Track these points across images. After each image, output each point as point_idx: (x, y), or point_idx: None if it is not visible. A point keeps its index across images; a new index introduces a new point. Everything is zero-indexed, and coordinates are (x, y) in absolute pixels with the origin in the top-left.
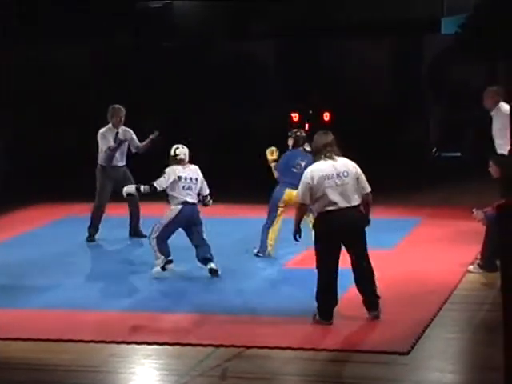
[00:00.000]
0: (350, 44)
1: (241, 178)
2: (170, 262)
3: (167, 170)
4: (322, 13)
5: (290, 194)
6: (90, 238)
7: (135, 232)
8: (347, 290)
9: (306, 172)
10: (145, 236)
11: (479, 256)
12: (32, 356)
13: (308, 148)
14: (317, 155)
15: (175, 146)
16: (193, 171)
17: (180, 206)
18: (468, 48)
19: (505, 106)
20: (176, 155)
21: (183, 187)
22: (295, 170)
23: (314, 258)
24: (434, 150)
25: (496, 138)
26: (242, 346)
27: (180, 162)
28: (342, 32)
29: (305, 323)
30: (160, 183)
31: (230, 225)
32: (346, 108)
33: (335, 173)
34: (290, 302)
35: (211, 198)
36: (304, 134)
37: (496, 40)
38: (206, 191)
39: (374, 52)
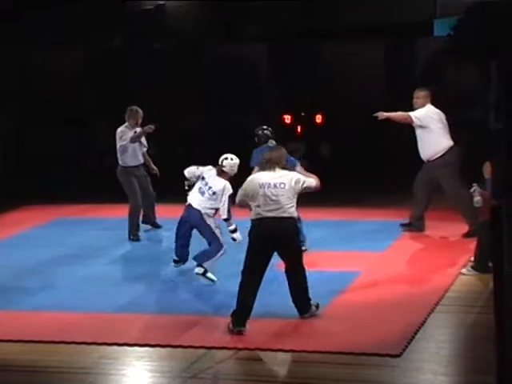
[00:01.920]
0: (343, 47)
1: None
2: (175, 261)
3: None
4: (314, 15)
5: None
6: (134, 237)
7: (153, 223)
8: (342, 292)
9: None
10: (160, 226)
11: (472, 258)
12: (23, 358)
13: (272, 144)
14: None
15: (224, 156)
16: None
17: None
18: (460, 50)
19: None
20: (223, 166)
21: (199, 189)
22: None
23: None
24: None
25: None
26: (233, 347)
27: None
28: (334, 35)
29: (297, 325)
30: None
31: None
32: (338, 110)
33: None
34: (281, 303)
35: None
36: (267, 132)
37: (488, 42)
38: (224, 215)
39: (366, 54)
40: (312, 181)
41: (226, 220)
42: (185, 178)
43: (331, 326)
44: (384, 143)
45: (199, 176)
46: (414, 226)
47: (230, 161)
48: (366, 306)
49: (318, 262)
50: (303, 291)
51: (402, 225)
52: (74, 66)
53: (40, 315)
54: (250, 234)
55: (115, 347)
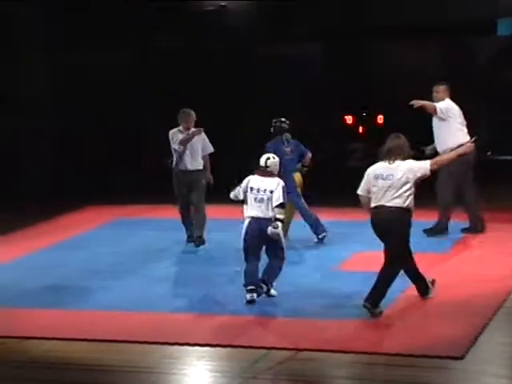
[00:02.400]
0: (404, 46)
1: None
2: (251, 290)
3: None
4: (374, 14)
5: (297, 177)
6: (189, 238)
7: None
8: (402, 293)
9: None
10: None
11: None
12: (87, 356)
13: (285, 137)
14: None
15: (266, 157)
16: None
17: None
18: None
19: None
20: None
21: (255, 199)
22: (287, 157)
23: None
24: (488, 153)
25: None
26: (294, 348)
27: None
28: (395, 33)
29: (357, 326)
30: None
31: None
32: (399, 110)
33: None
34: (340, 305)
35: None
36: (285, 125)
37: None
38: (279, 199)
39: (428, 54)
40: (427, 168)
41: (281, 205)
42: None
43: (391, 328)
44: None
45: (246, 191)
46: (473, 228)
47: (273, 159)
48: (426, 308)
49: (378, 263)
50: (417, 273)
51: (463, 230)
52: (131, 66)
53: (101, 314)
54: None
55: (177, 347)
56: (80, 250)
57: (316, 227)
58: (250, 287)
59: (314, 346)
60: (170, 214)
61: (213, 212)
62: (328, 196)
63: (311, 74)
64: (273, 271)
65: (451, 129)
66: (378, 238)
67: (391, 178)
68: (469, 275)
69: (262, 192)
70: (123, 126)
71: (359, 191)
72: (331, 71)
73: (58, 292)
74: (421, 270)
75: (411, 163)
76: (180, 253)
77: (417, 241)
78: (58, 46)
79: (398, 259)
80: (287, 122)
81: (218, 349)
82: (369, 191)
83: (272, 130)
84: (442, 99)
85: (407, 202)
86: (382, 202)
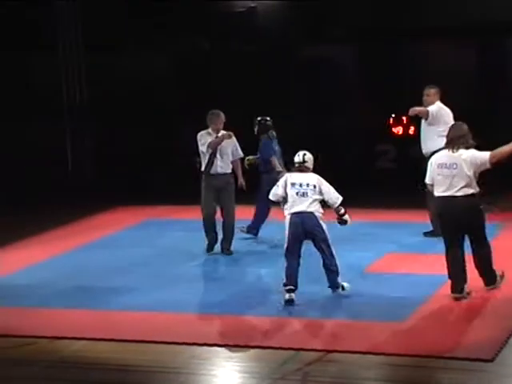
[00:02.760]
0: (433, 46)
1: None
2: (291, 290)
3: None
4: (404, 15)
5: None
6: (208, 247)
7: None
8: (431, 295)
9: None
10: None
11: None
12: (115, 356)
13: (272, 135)
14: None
15: (303, 153)
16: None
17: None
18: None
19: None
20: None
21: (297, 193)
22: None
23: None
24: None
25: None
26: (322, 350)
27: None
28: (424, 34)
29: (386, 328)
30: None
31: None
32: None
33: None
34: (371, 306)
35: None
36: (269, 123)
37: None
38: (338, 199)
39: (457, 54)
40: (487, 159)
41: (339, 206)
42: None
43: (421, 330)
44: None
45: (285, 188)
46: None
47: (309, 155)
48: (456, 310)
49: (407, 265)
50: (488, 263)
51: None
52: (162, 67)
53: (130, 315)
54: None
55: (205, 347)
56: (110, 251)
57: (253, 224)
58: (288, 287)
59: (343, 347)
60: (200, 215)
61: (239, 213)
62: (357, 197)
63: (344, 74)
64: (331, 273)
65: (439, 132)
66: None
67: (455, 167)
68: None
69: (305, 186)
70: (156, 126)
71: (427, 180)
72: (363, 72)
73: (87, 292)
74: (446, 272)
75: (473, 153)
76: (208, 253)
77: (440, 242)
78: (95, 47)
79: (484, 239)
80: (270, 119)
81: (247, 349)
82: (433, 179)
83: (256, 128)
84: (433, 102)
85: (474, 189)
86: (451, 192)
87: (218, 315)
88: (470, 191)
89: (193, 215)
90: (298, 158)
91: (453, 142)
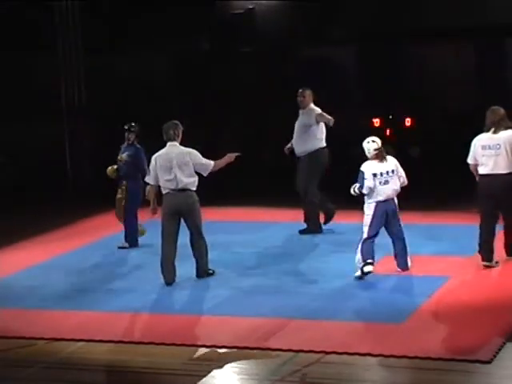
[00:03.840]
0: (432, 48)
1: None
2: (370, 263)
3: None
4: (402, 18)
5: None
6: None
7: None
8: (430, 297)
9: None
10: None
11: None
12: (114, 358)
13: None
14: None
15: (375, 139)
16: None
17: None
18: None
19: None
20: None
21: (380, 183)
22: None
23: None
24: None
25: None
26: (321, 351)
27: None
28: (423, 36)
29: (385, 329)
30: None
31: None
32: (428, 113)
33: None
34: (369, 308)
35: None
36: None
37: None
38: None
39: (456, 56)
40: None
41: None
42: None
43: (420, 331)
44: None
45: (366, 179)
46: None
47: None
48: (454, 311)
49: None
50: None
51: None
52: (162, 68)
53: (128, 316)
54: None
55: (204, 349)
56: (109, 252)
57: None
58: (369, 260)
59: (342, 349)
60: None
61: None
62: (356, 198)
63: (343, 75)
64: (404, 254)
65: (318, 133)
66: None
67: (498, 147)
68: (497, 279)
69: (385, 174)
70: (157, 127)
71: (468, 160)
72: (363, 73)
73: (86, 294)
74: (448, 273)
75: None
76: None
77: (443, 244)
78: (95, 47)
79: None
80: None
81: (246, 351)
82: (476, 159)
83: (133, 136)
84: (308, 104)
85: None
86: (495, 171)
87: (216, 317)
88: (510, 170)
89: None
90: (374, 146)
91: (494, 125)
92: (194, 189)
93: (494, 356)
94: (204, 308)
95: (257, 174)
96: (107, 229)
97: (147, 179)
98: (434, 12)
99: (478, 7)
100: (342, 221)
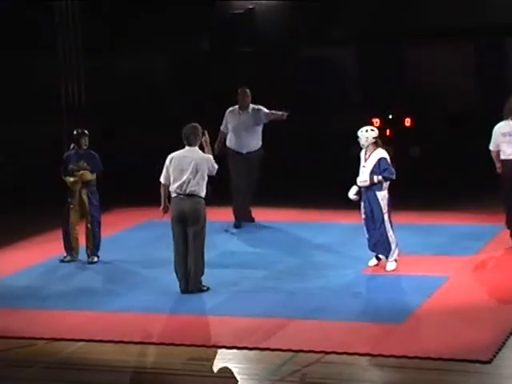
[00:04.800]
0: (432, 48)
1: (318, 182)
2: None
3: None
4: (402, 18)
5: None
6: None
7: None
8: (429, 297)
9: None
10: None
11: None
12: (113, 358)
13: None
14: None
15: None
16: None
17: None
18: None
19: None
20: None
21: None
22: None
23: None
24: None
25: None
26: (320, 351)
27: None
28: (423, 36)
29: (384, 329)
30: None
31: (307, 229)
32: (427, 113)
33: None
34: (369, 308)
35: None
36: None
37: None
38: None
39: (455, 56)
40: None
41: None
42: None
43: (419, 331)
44: (472, 145)
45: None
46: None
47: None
48: (454, 312)
49: (405, 266)
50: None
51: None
52: (161, 70)
53: (128, 316)
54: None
55: (203, 349)
56: (109, 252)
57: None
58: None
59: (342, 348)
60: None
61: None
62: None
63: (343, 75)
64: (381, 244)
65: (260, 132)
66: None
67: None
68: (496, 279)
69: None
70: (158, 127)
71: (490, 147)
72: (363, 72)
73: (86, 294)
74: (448, 273)
75: None
76: (207, 256)
77: (443, 244)
78: (95, 47)
79: None
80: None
81: (245, 351)
82: (498, 146)
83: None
84: (249, 103)
85: None
86: None
87: (216, 317)
88: None
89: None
90: (374, 134)
91: (510, 112)
92: (202, 195)
93: (494, 356)
94: (203, 308)
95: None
96: (105, 229)
97: (161, 178)
98: (433, 12)
99: (478, 7)
100: (341, 221)
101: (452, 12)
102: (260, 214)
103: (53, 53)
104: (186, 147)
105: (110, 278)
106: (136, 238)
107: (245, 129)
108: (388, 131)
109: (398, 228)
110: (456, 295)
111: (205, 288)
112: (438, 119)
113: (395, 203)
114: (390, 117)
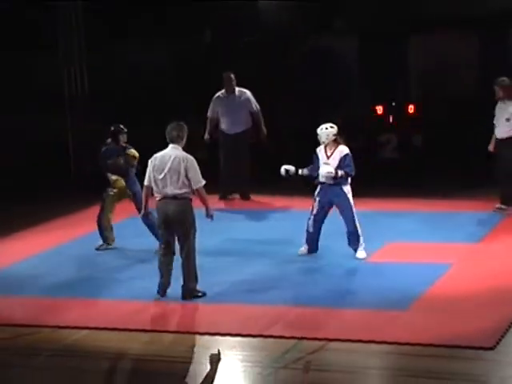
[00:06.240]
0: (435, 37)
1: None
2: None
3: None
4: (405, 7)
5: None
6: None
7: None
8: (433, 284)
9: None
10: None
11: None
12: (118, 346)
13: None
14: None
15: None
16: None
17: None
18: None
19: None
20: None
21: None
22: None
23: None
24: None
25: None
26: (324, 338)
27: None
28: (425, 25)
29: (388, 317)
30: None
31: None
32: (431, 101)
33: None
34: (372, 295)
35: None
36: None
37: None
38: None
39: (459, 45)
40: None
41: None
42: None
43: (422, 319)
44: (475, 134)
45: (315, 161)
46: None
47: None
48: (458, 299)
49: (409, 254)
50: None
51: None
52: (163, 62)
53: (132, 304)
54: None
55: (207, 337)
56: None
57: None
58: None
59: (345, 336)
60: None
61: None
62: (359, 186)
63: (345, 65)
64: (353, 237)
65: (248, 114)
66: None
67: None
68: (500, 266)
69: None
70: (159, 123)
71: None
72: (364, 62)
73: (90, 282)
74: (451, 260)
75: None
76: (210, 242)
77: (446, 231)
78: (97, 41)
79: None
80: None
81: (249, 339)
82: None
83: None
84: (234, 87)
85: None
86: None
87: (220, 304)
88: None
89: (195, 204)
90: (334, 130)
91: None
92: (188, 197)
93: (498, 343)
94: (207, 296)
95: (260, 163)
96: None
97: (144, 181)
98: (436, 0)
99: None
100: None
101: (455, 2)
102: (264, 202)
103: (53, 52)
104: (169, 145)
105: (114, 265)
106: (141, 226)
107: (232, 111)
108: (391, 118)
109: (401, 215)
110: (459, 282)
111: (200, 294)
112: (441, 107)
113: (398, 190)
114: (393, 104)
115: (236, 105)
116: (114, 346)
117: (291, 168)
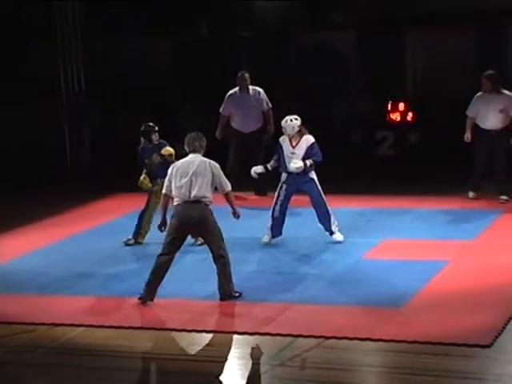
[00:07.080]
0: (431, 33)
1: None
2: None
3: None
4: (402, 3)
5: None
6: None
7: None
8: (429, 282)
9: None
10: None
11: None
12: (114, 343)
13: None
14: None
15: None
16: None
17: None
18: None
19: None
20: None
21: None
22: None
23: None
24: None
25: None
26: (320, 336)
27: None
28: (422, 21)
29: (385, 314)
30: None
31: (306, 215)
32: (427, 98)
33: None
34: (369, 292)
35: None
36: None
37: None
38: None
39: (455, 41)
40: None
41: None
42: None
43: (419, 316)
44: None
45: (279, 151)
46: None
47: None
48: (454, 296)
49: (405, 251)
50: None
51: None
52: (160, 56)
53: (128, 302)
54: None
55: (204, 334)
56: (109, 238)
57: None
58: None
59: (341, 333)
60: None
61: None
62: (356, 183)
63: (343, 61)
64: (325, 220)
65: (261, 113)
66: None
67: None
68: (496, 263)
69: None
70: (159, 114)
71: None
72: (362, 58)
73: (86, 279)
74: (447, 258)
75: None
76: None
77: (442, 229)
78: (97, 35)
79: None
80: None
81: (246, 336)
82: None
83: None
84: (248, 86)
85: None
86: None
87: (216, 302)
88: None
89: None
90: (299, 122)
91: None
92: (210, 202)
93: (494, 340)
94: (204, 293)
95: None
96: (106, 215)
97: (163, 190)
98: None
99: None
100: (340, 206)
101: None
102: (263, 201)
103: (52, 40)
104: (190, 154)
105: (111, 262)
106: (133, 224)
107: (246, 109)
108: (387, 115)
109: (398, 213)
110: (456, 280)
111: (237, 294)
112: (438, 104)
113: (395, 188)
114: (390, 102)
115: (250, 103)
116: (109, 344)
117: (260, 168)
